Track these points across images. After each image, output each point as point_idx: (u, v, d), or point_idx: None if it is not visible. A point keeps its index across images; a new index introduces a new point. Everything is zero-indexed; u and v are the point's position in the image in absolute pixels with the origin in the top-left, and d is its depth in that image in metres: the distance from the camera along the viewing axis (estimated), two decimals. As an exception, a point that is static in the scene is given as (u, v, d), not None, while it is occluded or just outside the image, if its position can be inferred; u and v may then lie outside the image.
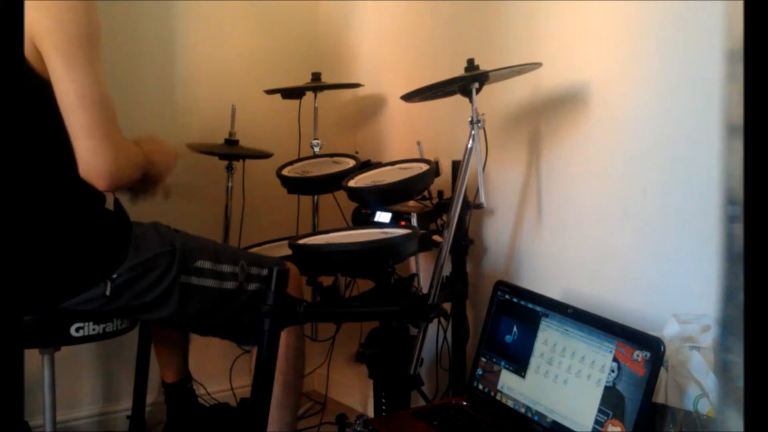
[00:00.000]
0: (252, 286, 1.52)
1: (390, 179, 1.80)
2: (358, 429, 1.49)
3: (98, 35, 1.34)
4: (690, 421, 1.20)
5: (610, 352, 1.29)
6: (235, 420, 1.87)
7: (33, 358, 1.40)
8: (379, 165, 1.98)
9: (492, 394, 1.51)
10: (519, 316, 1.50)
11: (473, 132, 1.58)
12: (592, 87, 1.65)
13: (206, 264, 1.48)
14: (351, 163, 2.04)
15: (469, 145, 1.59)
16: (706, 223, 1.40)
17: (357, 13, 2.50)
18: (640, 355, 1.23)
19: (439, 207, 1.86)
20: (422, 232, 1.72)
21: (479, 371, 1.56)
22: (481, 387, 1.55)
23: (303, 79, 2.21)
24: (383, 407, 1.83)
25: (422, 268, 1.93)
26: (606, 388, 1.28)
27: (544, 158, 1.79)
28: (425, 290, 1.69)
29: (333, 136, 2.36)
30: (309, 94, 2.22)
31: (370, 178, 1.87)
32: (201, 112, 2.31)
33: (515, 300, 1.52)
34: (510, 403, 1.46)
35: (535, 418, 1.40)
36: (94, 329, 1.45)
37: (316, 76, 2.19)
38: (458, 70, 1.63)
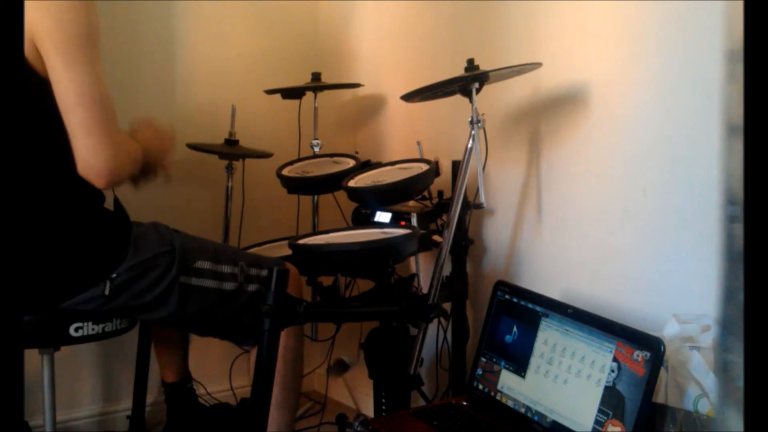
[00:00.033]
0: (251, 287, 1.52)
1: (390, 179, 1.80)
2: (358, 429, 1.49)
3: (98, 35, 1.35)
4: (690, 421, 1.20)
5: (610, 352, 1.29)
6: (235, 420, 1.87)
7: (33, 358, 1.40)
8: (379, 165, 1.98)
9: (492, 394, 1.51)
10: (519, 316, 1.50)
11: (473, 132, 1.58)
12: (592, 87, 1.65)
13: (206, 264, 1.48)
14: (351, 163, 2.04)
15: (469, 145, 1.59)
16: (706, 223, 1.40)
17: (357, 13, 2.50)
18: (640, 355, 1.23)
19: (439, 207, 1.86)
20: (422, 232, 1.72)
21: (479, 371, 1.56)
22: (481, 387, 1.55)
23: (303, 79, 2.21)
24: (383, 407, 1.83)
25: (422, 268, 1.92)
26: (606, 388, 1.28)
27: (544, 158, 1.79)
28: (425, 290, 1.69)
29: (333, 136, 2.36)
30: (309, 94, 2.22)
31: (370, 178, 1.87)
32: (201, 112, 2.31)
33: (515, 300, 1.52)
34: (510, 403, 1.46)
35: (535, 418, 1.40)
36: (93, 329, 1.45)
37: (316, 76, 2.19)
38: (458, 70, 1.63)
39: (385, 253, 1.61)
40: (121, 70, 2.13)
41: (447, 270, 1.80)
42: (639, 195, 1.55)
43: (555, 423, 1.35)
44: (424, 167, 1.80)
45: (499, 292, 1.57)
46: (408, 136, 2.23)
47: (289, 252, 1.68)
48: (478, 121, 1.58)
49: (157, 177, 1.59)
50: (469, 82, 1.57)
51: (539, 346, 1.43)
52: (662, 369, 1.23)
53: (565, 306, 1.41)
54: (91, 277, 1.38)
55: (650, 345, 1.22)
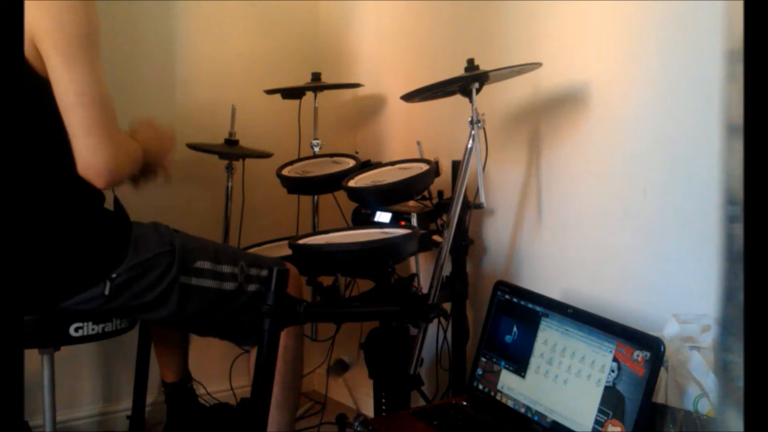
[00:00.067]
0: (251, 287, 1.52)
1: (390, 179, 1.80)
2: (358, 429, 1.49)
3: (98, 35, 1.35)
4: (690, 421, 1.20)
5: (610, 352, 1.29)
6: (235, 420, 1.87)
7: (33, 358, 1.40)
8: (379, 165, 1.98)
9: (492, 394, 1.51)
10: (519, 316, 1.50)
11: (473, 132, 1.58)
12: (592, 87, 1.65)
13: (206, 264, 1.48)
14: (351, 163, 2.04)
15: (469, 145, 1.59)
16: (706, 223, 1.40)
17: (357, 13, 2.50)
18: (640, 355, 1.23)
19: (439, 207, 1.86)
20: (422, 232, 1.72)
21: (479, 371, 1.56)
22: (481, 387, 1.55)
23: (303, 79, 2.21)
24: (383, 407, 1.83)
25: (422, 268, 1.92)
26: (606, 388, 1.28)
27: (544, 158, 1.79)
28: (425, 290, 1.69)
29: (333, 136, 2.36)
30: (309, 94, 2.22)
31: (370, 178, 1.87)
32: (201, 112, 2.31)
33: (515, 300, 1.52)
34: (510, 403, 1.46)
35: (535, 418, 1.40)
36: (93, 329, 1.45)
37: (316, 76, 2.19)
38: (458, 70, 1.63)
39: (385, 253, 1.61)
40: (121, 70, 2.13)
41: (447, 270, 1.80)
42: (639, 195, 1.55)
43: (555, 423, 1.35)
44: (424, 167, 1.80)
45: (499, 292, 1.57)
46: (408, 136, 2.23)
47: (289, 252, 1.68)
48: (478, 121, 1.58)
49: (157, 177, 1.59)
50: (469, 82, 1.57)
51: (539, 346, 1.43)
52: (662, 369, 1.23)
53: (565, 306, 1.41)
54: (91, 277, 1.38)
55: (650, 345, 1.22)
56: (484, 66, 1.62)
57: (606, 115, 1.62)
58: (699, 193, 1.43)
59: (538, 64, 1.64)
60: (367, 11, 2.46)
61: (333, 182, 1.91)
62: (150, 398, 2.05)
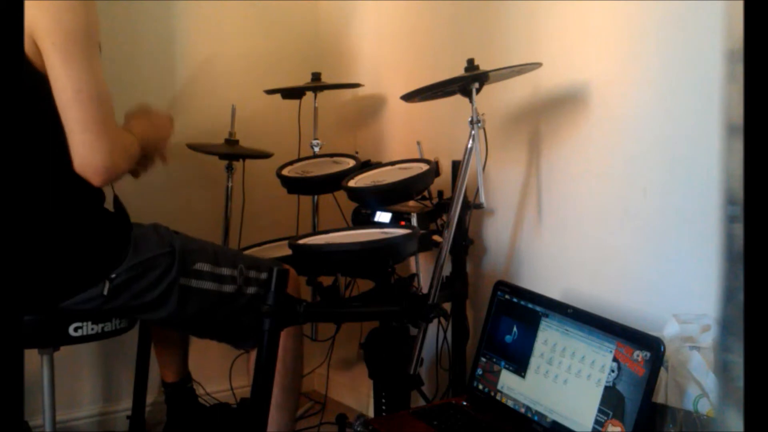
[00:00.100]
0: (250, 290, 1.52)
1: (390, 179, 1.80)
2: (358, 429, 1.49)
3: (97, 33, 1.35)
4: (690, 421, 1.20)
5: (610, 352, 1.29)
6: (235, 420, 1.87)
7: (33, 358, 1.40)
8: (379, 165, 1.98)
9: (492, 394, 1.51)
10: (519, 316, 1.50)
11: (473, 132, 1.58)
12: (592, 87, 1.65)
13: (205, 267, 1.48)
14: (351, 163, 2.04)
15: (469, 145, 1.59)
16: (706, 223, 1.40)
17: (357, 13, 2.50)
18: (640, 355, 1.23)
19: (439, 207, 1.86)
20: (422, 232, 1.72)
21: (479, 371, 1.56)
22: (481, 387, 1.55)
23: (303, 79, 2.21)
24: (383, 407, 1.82)
25: (422, 268, 1.92)
26: (606, 388, 1.28)
27: (544, 158, 1.79)
28: (425, 290, 1.69)
29: (333, 136, 2.36)
30: (309, 94, 2.22)
31: (370, 178, 1.87)
32: (201, 112, 2.31)
33: (515, 300, 1.52)
34: (510, 403, 1.46)
35: (535, 418, 1.40)
36: (92, 329, 1.45)
37: (316, 76, 2.19)
38: (458, 70, 1.63)
39: (385, 253, 1.61)
40: (121, 70, 2.13)
41: (447, 270, 1.80)
42: (639, 195, 1.55)
43: (555, 423, 1.35)
44: (424, 167, 1.80)
45: (499, 292, 1.57)
46: (408, 136, 2.23)
47: (289, 252, 1.68)
48: (478, 121, 1.58)
49: (155, 164, 1.59)
50: (469, 82, 1.57)
51: (539, 346, 1.43)
52: (662, 369, 1.22)
53: (565, 306, 1.41)
54: (90, 277, 1.38)
55: (650, 345, 1.22)
56: (484, 66, 1.62)
57: (606, 115, 1.62)
58: (699, 193, 1.43)
59: (538, 64, 1.64)
60: (367, 11, 2.46)
61: (333, 182, 1.91)
62: (150, 398, 2.05)
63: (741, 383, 0.53)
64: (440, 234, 1.79)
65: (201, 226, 1.99)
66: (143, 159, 1.53)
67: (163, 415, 1.88)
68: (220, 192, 2.17)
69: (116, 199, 1.51)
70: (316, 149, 2.17)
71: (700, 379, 1.21)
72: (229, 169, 2.13)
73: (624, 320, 1.32)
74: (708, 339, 1.27)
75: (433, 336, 1.92)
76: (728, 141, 0.54)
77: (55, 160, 1.35)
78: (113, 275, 1.38)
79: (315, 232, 1.86)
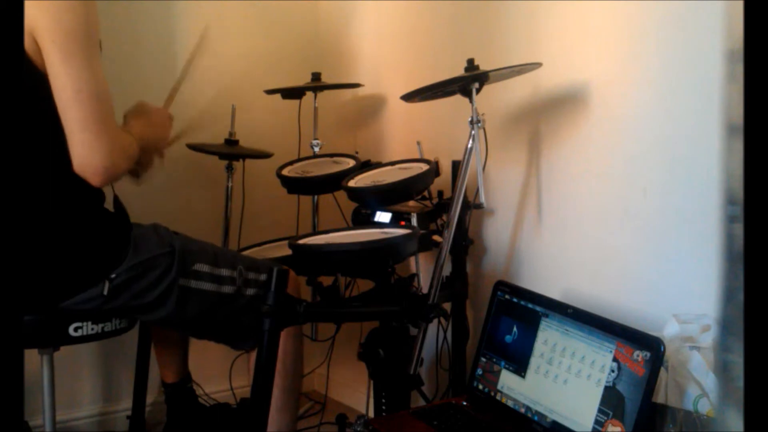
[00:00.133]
0: (250, 291, 1.52)
1: (390, 179, 1.80)
2: (358, 429, 1.49)
3: (97, 33, 1.35)
4: (690, 421, 1.20)
5: (610, 352, 1.29)
6: (235, 420, 1.87)
7: (32, 358, 1.40)
8: (379, 165, 1.98)
9: (492, 394, 1.51)
10: (519, 316, 1.50)
11: (473, 132, 1.58)
12: (592, 87, 1.65)
13: (205, 267, 1.48)
14: (351, 163, 2.04)
15: (469, 145, 1.59)
16: (706, 223, 1.40)
17: (357, 13, 2.50)
18: (640, 355, 1.23)
19: (439, 207, 1.86)
20: (422, 232, 1.72)
21: (479, 371, 1.56)
22: (481, 387, 1.55)
23: (303, 79, 2.21)
24: (383, 407, 1.82)
25: (422, 268, 1.92)
26: (606, 388, 1.28)
27: (544, 158, 1.79)
28: (425, 290, 1.69)
29: (333, 136, 2.36)
30: (309, 94, 2.22)
31: (370, 178, 1.87)
32: (201, 112, 2.31)
33: (515, 300, 1.52)
34: (510, 403, 1.46)
35: (535, 418, 1.40)
36: (92, 329, 1.45)
37: (316, 76, 2.19)
38: (458, 70, 1.63)
39: (385, 253, 1.61)
40: (121, 69, 2.13)
41: (447, 270, 1.80)
42: (639, 195, 1.55)
43: (555, 423, 1.35)
44: (424, 167, 1.80)
45: (499, 292, 1.57)
46: (408, 136, 2.23)
47: (288, 252, 1.68)
48: (478, 121, 1.58)
49: (153, 164, 1.59)
50: (469, 82, 1.57)
51: (539, 346, 1.43)
52: (662, 369, 1.22)
53: (565, 306, 1.41)
54: (90, 277, 1.38)
55: (650, 345, 1.22)
56: (484, 66, 1.62)
57: (606, 115, 1.62)
58: (699, 193, 1.43)
59: (538, 64, 1.64)
60: (367, 11, 2.46)
61: (333, 182, 1.91)
62: (150, 398, 2.05)
63: (741, 383, 0.53)
64: (440, 234, 1.79)
65: (201, 226, 1.99)
66: (142, 160, 1.53)
67: (163, 415, 1.88)
68: (220, 192, 2.17)
69: (116, 200, 1.51)
70: (316, 149, 2.17)
71: (700, 379, 1.21)
72: (229, 169, 2.13)
73: (624, 320, 1.32)
74: (708, 339, 1.27)
75: (433, 336, 1.92)
76: (728, 141, 0.54)
77: (55, 160, 1.34)
78: (113, 275, 1.38)
79: (315, 232, 1.86)
